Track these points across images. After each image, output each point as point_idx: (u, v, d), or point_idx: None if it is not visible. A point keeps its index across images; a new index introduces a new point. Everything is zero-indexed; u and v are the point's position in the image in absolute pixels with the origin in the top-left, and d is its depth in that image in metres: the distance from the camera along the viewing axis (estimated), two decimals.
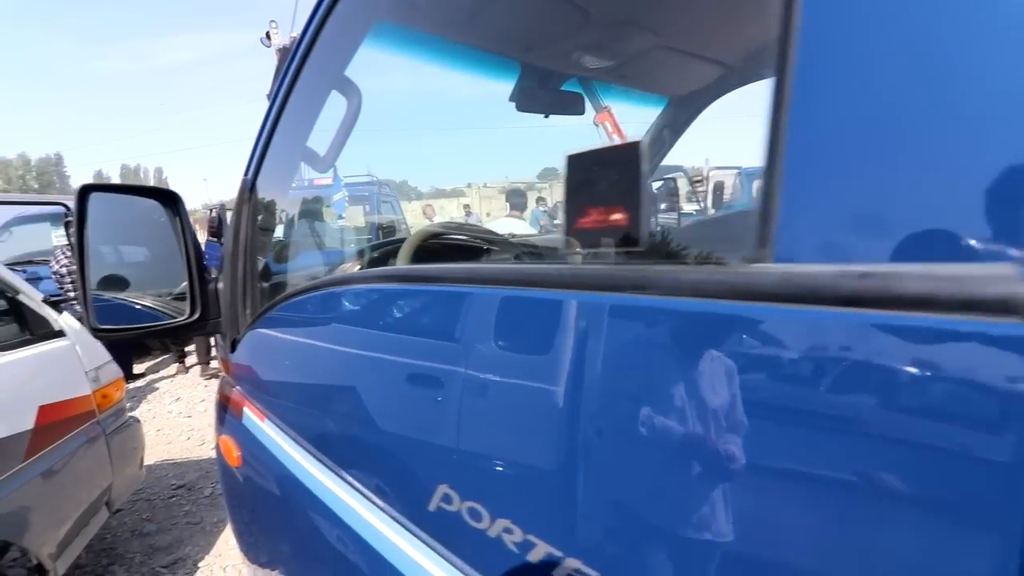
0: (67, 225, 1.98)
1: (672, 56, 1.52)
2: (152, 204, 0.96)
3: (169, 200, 0.96)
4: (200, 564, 2.49)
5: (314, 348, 0.81)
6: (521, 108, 1.42)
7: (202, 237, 7.30)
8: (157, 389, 5.33)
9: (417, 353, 0.63)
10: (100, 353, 2.16)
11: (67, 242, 5.06)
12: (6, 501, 1.58)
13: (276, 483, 0.89)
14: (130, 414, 2.36)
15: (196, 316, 0.97)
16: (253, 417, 0.97)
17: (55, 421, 1.83)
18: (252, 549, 1.18)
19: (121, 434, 2.20)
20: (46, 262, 5.18)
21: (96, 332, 0.85)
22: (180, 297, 1.10)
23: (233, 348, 1.03)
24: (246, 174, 0.99)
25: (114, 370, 2.23)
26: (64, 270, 4.83)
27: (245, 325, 1.00)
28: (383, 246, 1.18)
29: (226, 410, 1.14)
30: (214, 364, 5.36)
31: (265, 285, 1.04)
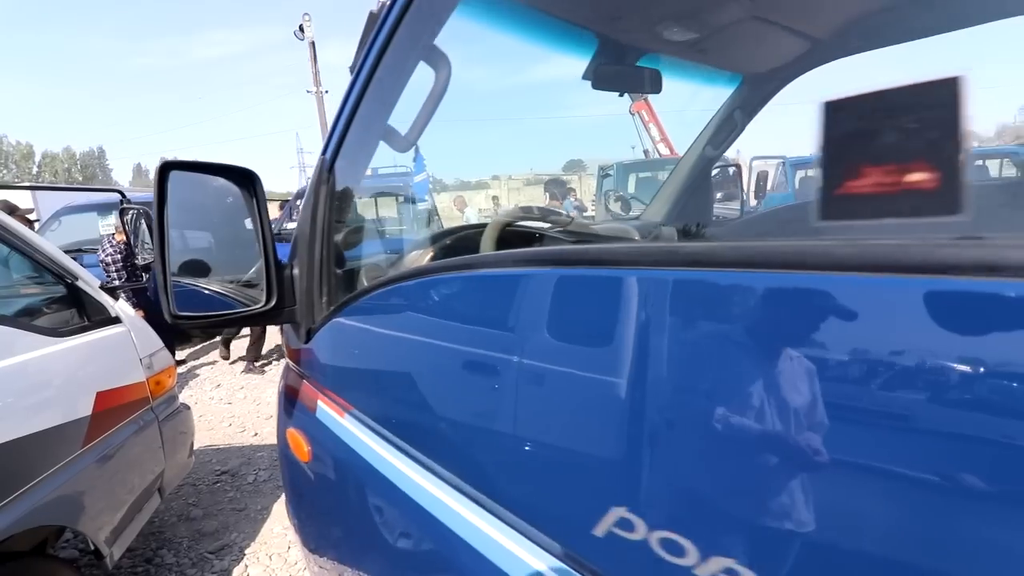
0: (122, 212, 2.00)
1: (758, 27, 1.40)
2: (222, 185, 0.91)
3: (246, 180, 0.91)
4: (247, 551, 2.49)
5: (417, 342, 0.74)
6: (597, 86, 1.33)
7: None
8: (198, 375, 5.44)
9: (538, 345, 0.56)
10: (153, 340, 2.16)
11: (116, 230, 5.19)
12: (65, 487, 1.58)
13: (358, 481, 0.84)
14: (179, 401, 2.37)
15: (272, 304, 0.92)
16: (330, 412, 0.91)
17: (112, 407, 1.84)
18: (316, 544, 1.13)
19: (173, 421, 2.21)
20: (94, 251, 5.32)
21: (174, 319, 0.81)
22: (248, 284, 1.05)
23: (308, 338, 0.97)
24: (324, 153, 0.92)
25: (166, 357, 2.23)
26: (110, 259, 4.95)
27: (321, 314, 0.94)
28: (460, 233, 1.11)
29: (294, 402, 1.09)
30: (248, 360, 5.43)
31: (342, 272, 0.98)
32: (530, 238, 1.05)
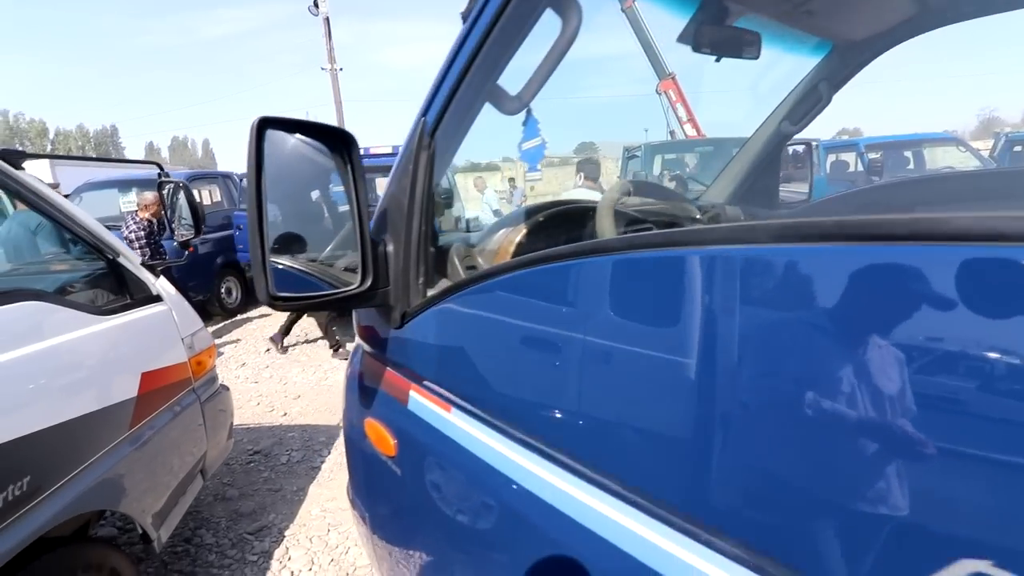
0: (160, 186, 1.91)
1: None
2: (306, 153, 0.80)
3: (342, 143, 0.80)
4: (286, 533, 2.46)
5: (560, 335, 0.64)
6: (696, 48, 1.20)
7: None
8: (222, 354, 5.43)
9: (709, 336, 0.47)
10: (193, 319, 2.09)
11: (138, 207, 5.14)
12: (113, 471, 1.53)
13: (472, 481, 0.75)
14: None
15: (367, 285, 0.83)
16: (431, 406, 0.83)
17: (156, 388, 1.78)
18: (395, 537, 1.06)
19: (214, 401, 2.15)
20: (116, 227, 5.28)
21: (273, 300, 0.72)
22: (324, 262, 0.95)
23: (401, 323, 0.88)
24: (424, 114, 0.82)
25: (206, 337, 2.17)
26: (133, 236, 4.90)
27: (418, 297, 0.85)
28: (552, 211, 1.00)
29: (374, 392, 1.00)
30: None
31: (439, 251, 0.88)
32: (645, 220, 0.94)
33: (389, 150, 6.62)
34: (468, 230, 5.03)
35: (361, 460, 1.13)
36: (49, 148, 62.99)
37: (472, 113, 0.83)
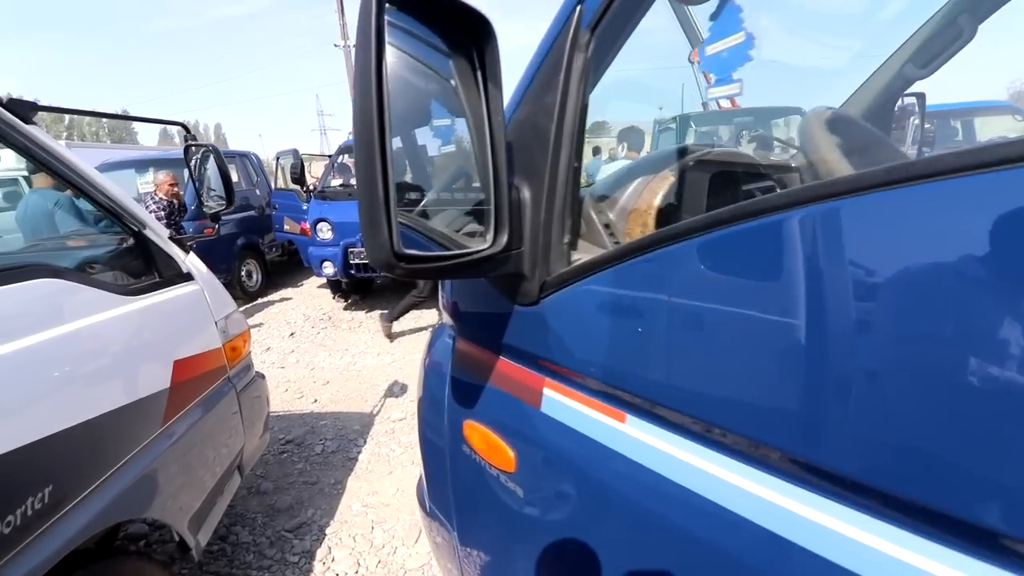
0: (187, 152, 1.68)
1: None
2: (425, 57, 0.56)
3: (471, 33, 0.56)
4: (327, 531, 2.29)
5: (814, 312, 0.41)
6: None
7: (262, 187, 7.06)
8: None
9: None
10: (226, 300, 1.89)
11: (156, 186, 4.96)
12: (146, 474, 1.33)
13: (669, 520, 0.52)
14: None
15: (502, 244, 0.60)
16: (589, 412, 0.60)
17: (190, 378, 1.58)
18: (507, 567, 0.84)
19: (250, 391, 1.96)
20: None
21: (396, 262, 0.49)
22: (423, 213, 0.71)
23: (539, 297, 0.64)
24: (580, 1, 0.57)
25: (240, 320, 1.96)
26: (153, 215, 4.73)
27: (563, 262, 0.62)
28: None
29: (479, 387, 0.78)
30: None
31: (594, 199, 0.64)
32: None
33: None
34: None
35: (452, 467, 0.91)
36: (64, 133, 63.43)
37: (644, 5, 0.58)
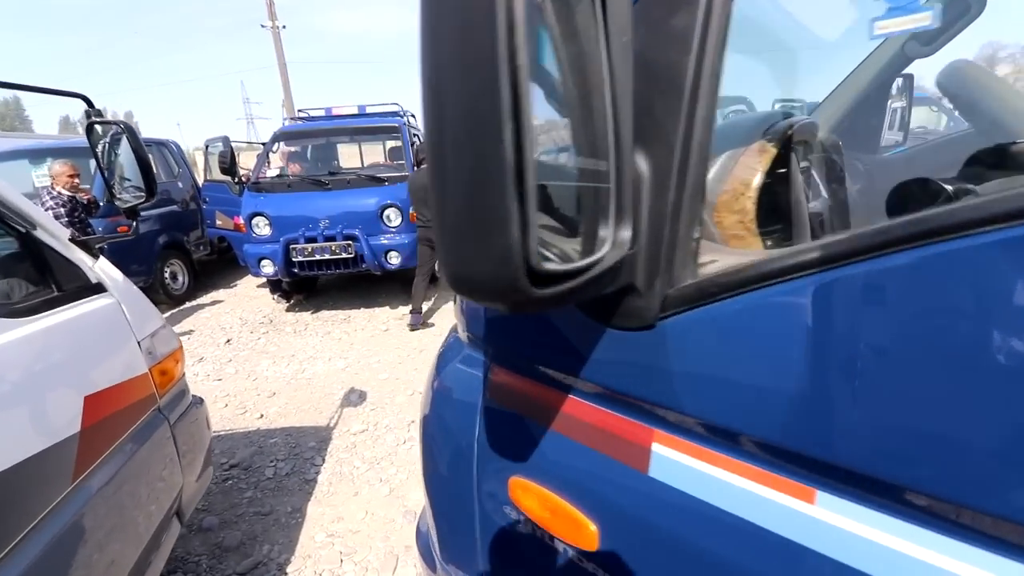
0: (91, 131, 1.32)
1: None
2: None
3: None
4: (288, 570, 2.00)
5: None
6: None
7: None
8: None
9: None
10: (149, 312, 1.55)
11: (54, 178, 4.29)
12: (55, 545, 1.03)
13: None
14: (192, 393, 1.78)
15: (627, 244, 0.39)
16: (755, 488, 0.41)
17: (109, 415, 1.26)
18: None
19: (186, 421, 1.64)
20: None
21: (533, 287, 0.28)
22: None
23: (657, 317, 0.44)
24: None
25: (169, 336, 1.63)
26: (52, 214, 4.10)
27: (692, 266, 0.42)
28: None
29: (534, 435, 0.57)
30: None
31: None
32: None
33: (354, 110, 5.91)
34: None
35: (484, 527, 0.70)
36: None
37: None
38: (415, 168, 5.08)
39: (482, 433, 0.69)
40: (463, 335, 0.82)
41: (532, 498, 0.59)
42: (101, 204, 4.64)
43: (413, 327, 4.58)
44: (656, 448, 0.48)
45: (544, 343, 0.58)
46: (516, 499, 0.62)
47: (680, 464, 0.46)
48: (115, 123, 1.43)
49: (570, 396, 0.58)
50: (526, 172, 0.28)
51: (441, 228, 0.31)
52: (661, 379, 0.47)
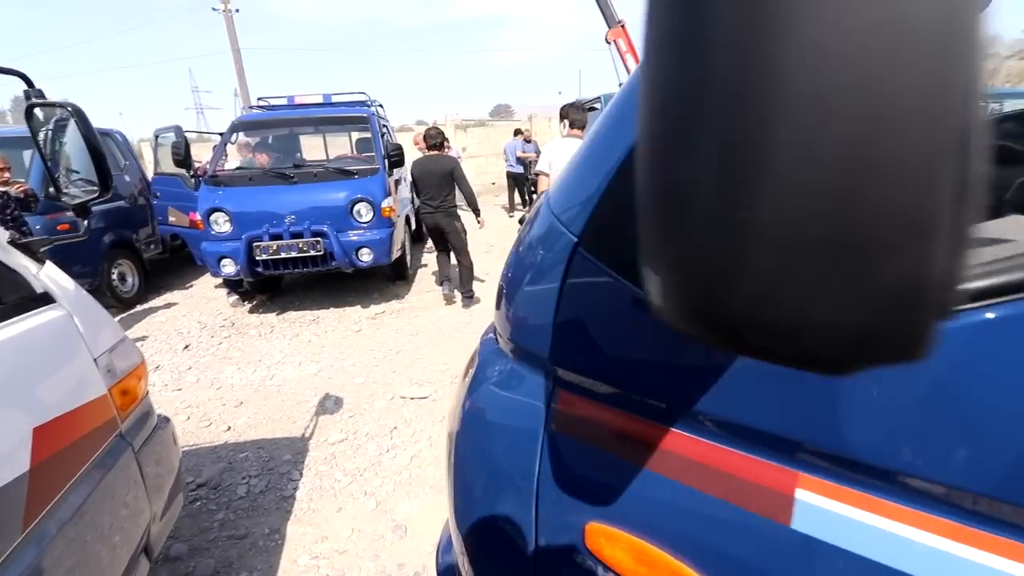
0: (30, 115, 1.12)
1: None
2: None
3: None
4: None
5: None
6: None
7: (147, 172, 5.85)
8: None
9: None
10: (106, 324, 1.36)
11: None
12: None
13: None
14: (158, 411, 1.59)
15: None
16: (961, 551, 0.31)
17: (63, 448, 1.08)
18: None
19: (153, 445, 1.45)
20: None
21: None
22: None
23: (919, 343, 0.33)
24: None
25: (130, 349, 1.44)
26: None
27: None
28: None
29: (627, 475, 0.46)
30: None
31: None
32: None
33: (319, 99, 5.61)
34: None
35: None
36: None
37: None
38: (385, 160, 4.87)
39: (547, 468, 0.59)
40: (507, 347, 0.70)
41: (621, 549, 0.49)
42: (41, 199, 4.23)
43: (467, 305, 4.73)
44: (802, 496, 0.39)
45: (644, 366, 0.47)
46: (596, 548, 0.52)
47: (846, 519, 0.37)
48: (61, 105, 1.22)
49: (674, 430, 0.48)
50: (968, 178, 0.17)
51: (744, 239, 0.20)
52: (829, 418, 0.37)
